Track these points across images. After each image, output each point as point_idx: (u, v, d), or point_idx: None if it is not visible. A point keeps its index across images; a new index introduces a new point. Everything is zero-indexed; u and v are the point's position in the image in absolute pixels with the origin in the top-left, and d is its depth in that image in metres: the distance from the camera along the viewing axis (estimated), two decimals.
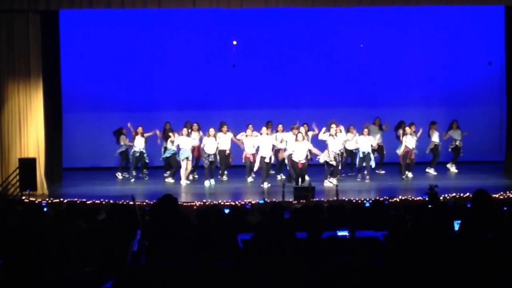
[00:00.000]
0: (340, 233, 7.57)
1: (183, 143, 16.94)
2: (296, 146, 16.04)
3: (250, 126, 17.04)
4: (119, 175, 18.12)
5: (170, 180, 17.29)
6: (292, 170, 16.12)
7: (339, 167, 16.88)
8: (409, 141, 17.19)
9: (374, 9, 17.99)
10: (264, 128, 16.81)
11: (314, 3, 15.85)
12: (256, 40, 20.06)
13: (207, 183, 16.79)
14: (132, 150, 17.65)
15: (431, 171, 18.22)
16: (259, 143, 16.71)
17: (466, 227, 6.59)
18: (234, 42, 20.02)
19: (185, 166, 16.99)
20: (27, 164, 15.35)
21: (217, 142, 16.93)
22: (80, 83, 19.69)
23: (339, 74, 20.15)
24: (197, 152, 17.33)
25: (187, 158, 16.91)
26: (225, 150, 17.01)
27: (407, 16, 19.72)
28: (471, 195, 13.10)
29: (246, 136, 16.85)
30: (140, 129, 17.54)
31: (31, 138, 15.85)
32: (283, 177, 16.76)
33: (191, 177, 17.51)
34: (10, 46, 15.68)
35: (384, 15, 19.42)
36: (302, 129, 16.66)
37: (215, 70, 20.06)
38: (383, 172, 18.19)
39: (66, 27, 18.10)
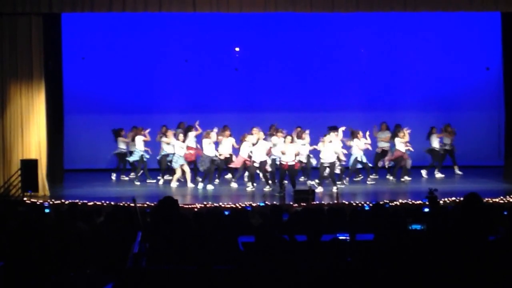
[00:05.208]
0: (340, 236, 7.60)
1: (178, 149, 16.95)
2: (285, 148, 15.96)
3: (255, 129, 17.02)
4: (113, 177, 18.26)
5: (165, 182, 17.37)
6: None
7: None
8: (399, 145, 17.30)
9: (372, 14, 18.10)
10: (261, 133, 16.81)
11: (312, 8, 15.94)
12: (258, 43, 20.14)
13: (209, 186, 16.81)
14: (140, 154, 17.69)
15: (438, 174, 18.36)
16: (254, 148, 16.66)
17: (458, 229, 6.61)
18: (237, 49, 20.08)
19: (179, 173, 17.00)
20: (29, 165, 15.39)
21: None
22: (81, 85, 19.77)
23: (339, 78, 20.24)
24: (195, 155, 17.29)
25: (181, 165, 16.93)
26: (230, 156, 17.10)
27: (405, 22, 19.81)
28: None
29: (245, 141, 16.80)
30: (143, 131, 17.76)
31: (33, 140, 15.90)
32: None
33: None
34: (13, 49, 15.74)
35: (383, 20, 19.52)
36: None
37: (216, 73, 20.14)
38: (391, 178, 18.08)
39: (68, 30, 18.17)
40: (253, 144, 16.54)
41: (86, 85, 19.93)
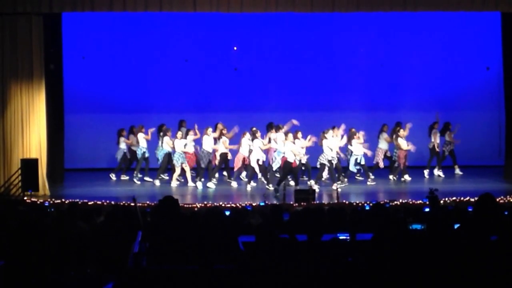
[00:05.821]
0: (340, 236, 7.61)
1: (178, 146, 16.94)
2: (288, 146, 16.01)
3: (254, 129, 17.04)
4: (113, 176, 18.24)
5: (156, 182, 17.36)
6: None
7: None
8: (403, 143, 17.28)
9: (372, 14, 18.11)
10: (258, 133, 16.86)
11: (313, 9, 15.95)
12: (258, 43, 20.13)
13: (210, 184, 16.83)
14: (142, 151, 17.75)
15: (440, 172, 18.31)
16: (253, 147, 16.70)
17: (466, 229, 6.60)
18: (235, 48, 20.08)
19: (179, 171, 16.99)
20: (29, 165, 15.39)
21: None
22: (81, 84, 19.78)
23: (339, 78, 20.22)
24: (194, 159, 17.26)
25: (182, 162, 16.92)
26: (226, 153, 17.11)
27: (406, 22, 19.82)
28: (471, 199, 13.26)
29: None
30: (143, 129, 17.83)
31: (33, 139, 15.90)
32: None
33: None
34: (13, 48, 15.74)
35: (383, 20, 19.52)
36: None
37: (216, 72, 20.13)
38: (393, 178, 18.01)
39: (68, 30, 18.17)
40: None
41: (87, 84, 19.93)
